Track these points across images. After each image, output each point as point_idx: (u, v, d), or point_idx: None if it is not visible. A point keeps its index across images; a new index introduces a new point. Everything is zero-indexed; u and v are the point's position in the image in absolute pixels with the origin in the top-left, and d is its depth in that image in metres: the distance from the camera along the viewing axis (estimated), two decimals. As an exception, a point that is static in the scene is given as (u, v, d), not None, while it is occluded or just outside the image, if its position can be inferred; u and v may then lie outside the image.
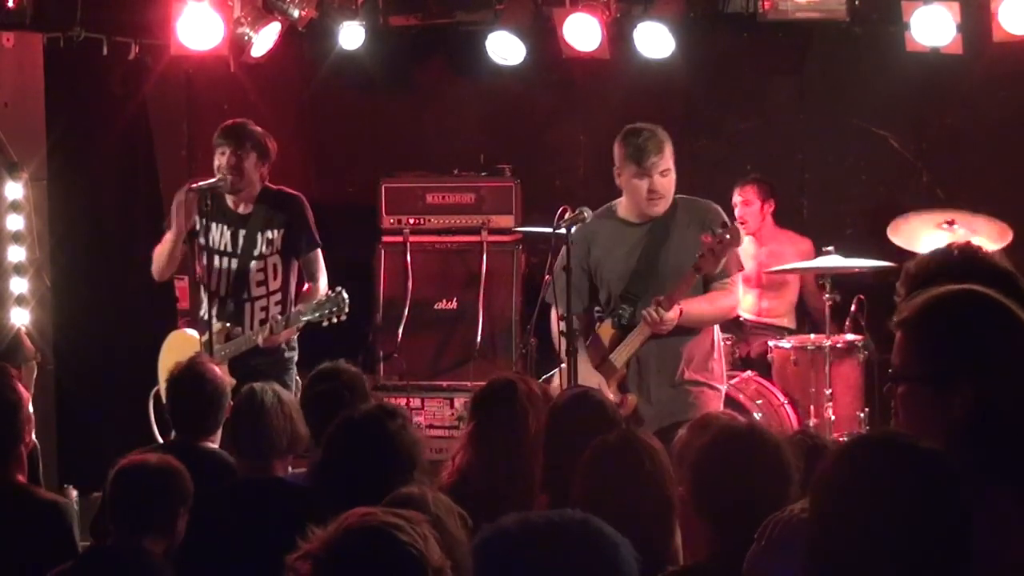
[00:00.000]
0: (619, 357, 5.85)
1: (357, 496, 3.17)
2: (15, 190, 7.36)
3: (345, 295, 6.41)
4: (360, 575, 2.42)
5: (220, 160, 6.49)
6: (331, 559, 2.42)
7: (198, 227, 6.41)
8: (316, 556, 2.44)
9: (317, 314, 6.37)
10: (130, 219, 8.42)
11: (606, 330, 5.97)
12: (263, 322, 6.52)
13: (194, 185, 6.44)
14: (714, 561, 3.37)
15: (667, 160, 5.89)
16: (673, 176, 5.95)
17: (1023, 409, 2.59)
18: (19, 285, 7.38)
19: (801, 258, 8.21)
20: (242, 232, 6.55)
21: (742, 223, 8.39)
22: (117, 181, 8.44)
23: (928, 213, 7.74)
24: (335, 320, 6.39)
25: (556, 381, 5.95)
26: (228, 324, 6.48)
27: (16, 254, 7.38)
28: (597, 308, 6.03)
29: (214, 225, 6.55)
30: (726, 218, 6.06)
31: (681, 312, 5.73)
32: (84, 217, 7.98)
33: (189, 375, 5.14)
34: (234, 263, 6.55)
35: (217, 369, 5.31)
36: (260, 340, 6.39)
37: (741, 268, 6.16)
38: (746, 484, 3.38)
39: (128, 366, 7.47)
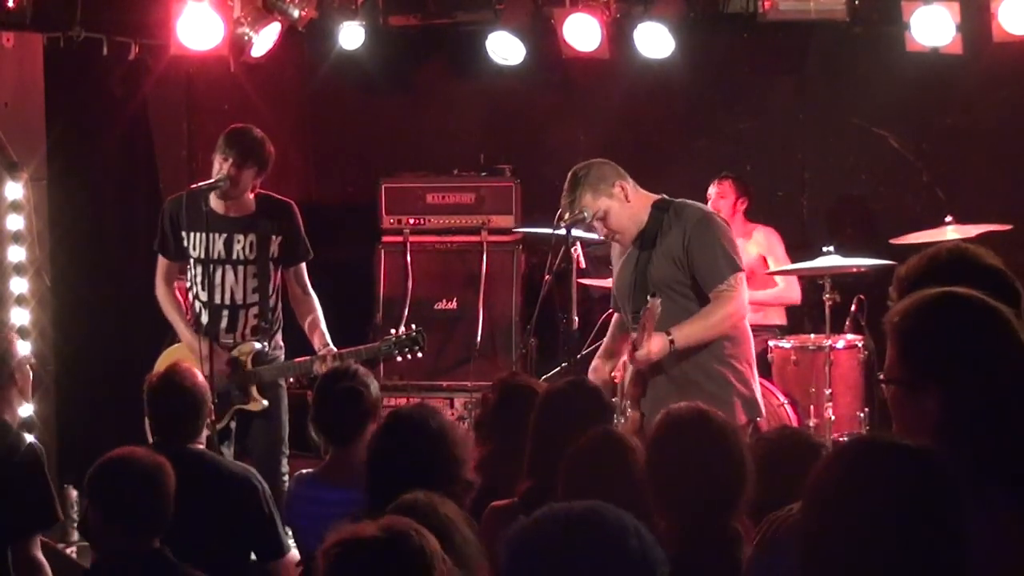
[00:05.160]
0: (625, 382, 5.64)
1: (404, 490, 3.27)
2: (15, 190, 7.36)
3: (423, 334, 6.51)
4: None
5: (222, 166, 6.31)
6: None
7: (186, 243, 6.38)
8: None
9: (396, 350, 6.46)
10: (130, 219, 8.42)
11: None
12: (255, 329, 6.43)
13: (194, 186, 6.43)
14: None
15: (588, 205, 5.58)
16: (616, 211, 5.64)
17: (995, 411, 2.59)
18: (19, 285, 7.38)
19: (768, 251, 8.19)
20: (237, 237, 6.38)
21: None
22: (117, 181, 8.43)
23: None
24: (409, 356, 6.49)
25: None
26: (261, 345, 6.39)
27: (16, 254, 7.38)
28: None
29: (202, 235, 6.38)
30: (711, 220, 5.75)
31: (672, 341, 5.45)
32: (84, 217, 7.97)
33: (167, 383, 5.04)
34: (230, 270, 6.41)
35: (198, 373, 5.22)
36: (317, 368, 6.22)
37: (738, 268, 5.61)
38: (698, 470, 3.43)
39: (128, 366, 7.46)
